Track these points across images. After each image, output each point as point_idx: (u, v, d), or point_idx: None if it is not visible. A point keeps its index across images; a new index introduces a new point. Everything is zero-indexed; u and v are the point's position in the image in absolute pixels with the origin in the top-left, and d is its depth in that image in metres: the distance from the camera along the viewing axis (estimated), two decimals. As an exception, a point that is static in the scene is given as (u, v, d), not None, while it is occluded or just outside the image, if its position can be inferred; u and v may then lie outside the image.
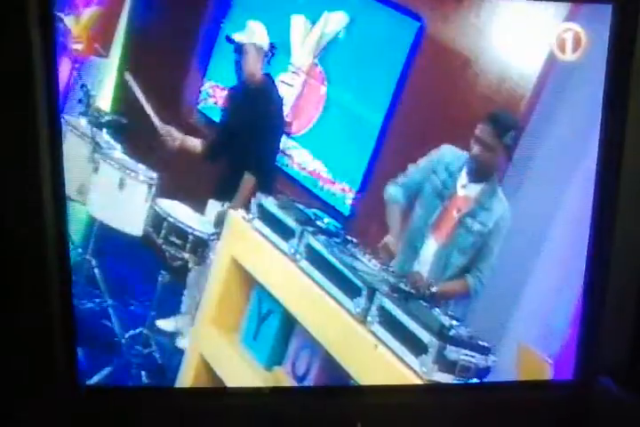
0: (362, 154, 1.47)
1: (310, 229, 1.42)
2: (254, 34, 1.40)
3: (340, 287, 1.36)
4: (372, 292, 1.34)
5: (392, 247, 1.44)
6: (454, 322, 1.32)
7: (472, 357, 1.32)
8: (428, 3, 1.36)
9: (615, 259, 1.34)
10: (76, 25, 1.23)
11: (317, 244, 1.41)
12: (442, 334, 1.28)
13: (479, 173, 1.40)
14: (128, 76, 1.34)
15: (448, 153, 1.40)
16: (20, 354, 1.23)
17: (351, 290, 1.35)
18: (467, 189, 1.42)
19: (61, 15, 1.22)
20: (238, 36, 1.41)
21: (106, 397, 1.34)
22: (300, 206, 1.46)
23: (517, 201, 1.39)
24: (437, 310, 1.35)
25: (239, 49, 1.42)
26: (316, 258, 1.40)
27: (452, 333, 1.29)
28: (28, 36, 1.14)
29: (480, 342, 1.32)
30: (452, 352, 1.29)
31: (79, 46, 1.22)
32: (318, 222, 1.44)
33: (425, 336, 1.29)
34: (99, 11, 1.26)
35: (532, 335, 1.41)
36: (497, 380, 1.34)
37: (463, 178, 1.42)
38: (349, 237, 1.44)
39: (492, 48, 1.31)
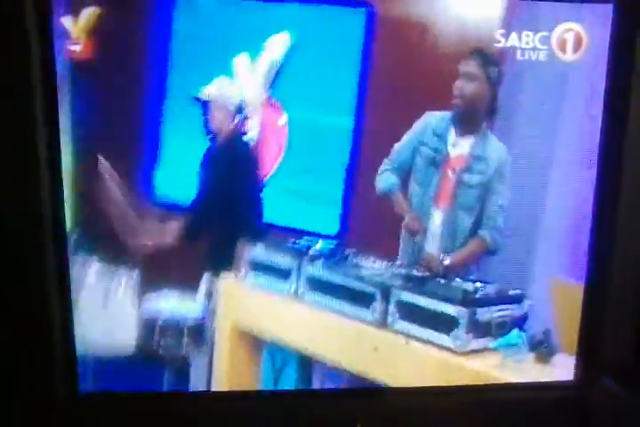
0: (339, 167, 1.39)
1: (306, 259, 1.40)
2: (222, 89, 1.34)
3: (353, 303, 1.35)
4: (386, 291, 1.34)
5: (416, 223, 1.39)
6: (478, 284, 1.32)
7: (505, 310, 1.33)
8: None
9: (617, 257, 1.34)
10: (74, 26, 1.22)
11: (317, 271, 1.39)
12: (467, 300, 1.29)
13: (467, 121, 1.36)
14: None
15: (432, 119, 1.36)
16: (16, 357, 1.22)
17: (364, 300, 1.35)
18: (458, 147, 1.38)
19: (59, 16, 1.21)
20: (205, 94, 1.34)
21: (104, 403, 1.34)
22: (288, 243, 1.40)
23: (516, 142, 1.35)
24: (458, 280, 1.34)
25: (206, 106, 1.35)
26: (320, 286, 1.39)
27: (477, 295, 1.30)
28: (25, 38, 1.14)
29: (511, 293, 1.33)
30: (484, 314, 1.30)
31: (77, 48, 1.22)
32: (312, 251, 1.40)
33: (451, 310, 1.30)
34: (98, 11, 1.25)
35: (560, 267, 1.39)
36: (535, 322, 1.34)
37: (452, 136, 1.38)
38: (347, 251, 1.40)
39: (449, 6, 1.29)
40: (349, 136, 1.38)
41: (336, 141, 1.39)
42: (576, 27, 1.28)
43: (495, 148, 1.36)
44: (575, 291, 1.37)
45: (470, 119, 1.37)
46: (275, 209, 1.39)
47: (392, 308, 1.34)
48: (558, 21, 1.28)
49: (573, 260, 1.39)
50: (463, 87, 1.33)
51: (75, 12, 1.19)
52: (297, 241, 1.40)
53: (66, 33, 1.20)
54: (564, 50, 1.29)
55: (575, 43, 1.28)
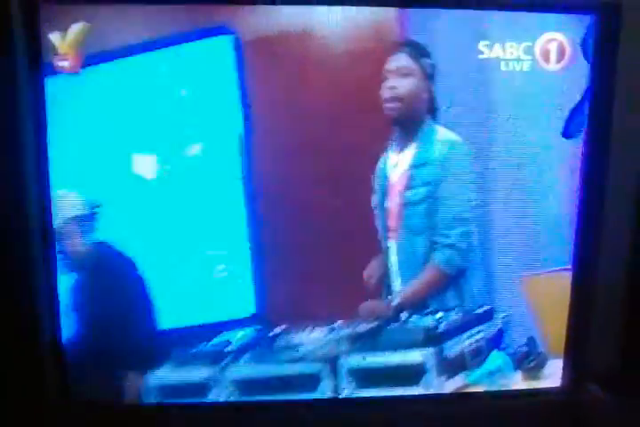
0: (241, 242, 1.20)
1: (227, 361, 1.16)
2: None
3: (297, 391, 1.16)
4: (333, 362, 1.16)
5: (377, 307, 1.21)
6: (439, 315, 1.16)
7: (477, 333, 1.19)
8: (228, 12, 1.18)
9: (602, 264, 1.33)
10: (62, 41, 1.23)
11: (243, 369, 1.16)
12: (431, 339, 1.13)
13: (407, 125, 1.21)
14: None
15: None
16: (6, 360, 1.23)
17: (309, 383, 1.16)
18: (398, 166, 1.22)
19: (47, 31, 1.22)
20: None
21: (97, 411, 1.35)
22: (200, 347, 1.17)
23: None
24: (414, 318, 1.17)
25: None
26: (249, 386, 1.17)
27: (441, 328, 1.14)
28: (13, 53, 1.16)
29: (478, 311, 1.17)
30: (453, 347, 1.16)
31: (65, 64, 1.23)
32: (229, 349, 1.17)
33: (415, 356, 1.13)
34: (86, 26, 1.25)
35: (525, 263, 1.26)
36: (514, 334, 1.22)
37: (392, 156, 1.23)
38: (275, 330, 1.18)
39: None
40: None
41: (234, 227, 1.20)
42: (559, 36, 1.29)
43: (440, 140, 1.21)
44: (548, 280, 1.25)
45: (411, 123, 1.22)
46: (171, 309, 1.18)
47: (345, 380, 1.16)
48: (541, 31, 1.29)
49: (535, 251, 1.27)
50: (397, 86, 1.20)
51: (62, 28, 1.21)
52: (210, 342, 1.17)
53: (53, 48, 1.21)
54: (547, 60, 1.29)
55: (559, 53, 1.29)
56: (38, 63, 1.20)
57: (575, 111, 1.27)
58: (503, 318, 1.20)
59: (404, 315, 1.18)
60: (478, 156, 1.23)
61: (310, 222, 1.21)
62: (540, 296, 1.26)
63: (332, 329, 1.17)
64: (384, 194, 1.22)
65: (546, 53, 1.29)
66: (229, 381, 1.18)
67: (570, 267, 1.28)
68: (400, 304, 1.19)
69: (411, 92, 1.21)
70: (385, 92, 1.21)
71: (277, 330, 1.18)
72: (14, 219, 1.19)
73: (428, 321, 1.16)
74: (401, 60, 1.20)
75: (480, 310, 1.18)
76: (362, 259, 1.24)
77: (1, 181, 1.19)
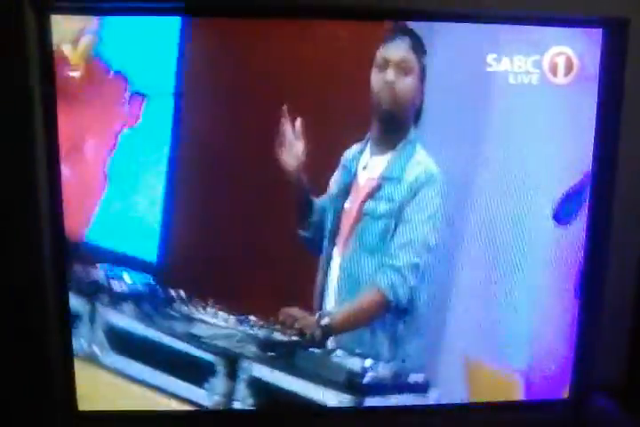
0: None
1: (104, 299, 0.96)
2: None
3: (179, 377, 0.96)
4: (233, 361, 0.97)
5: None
6: (368, 362, 1.00)
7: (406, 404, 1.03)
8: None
9: (611, 273, 1.33)
10: (73, 52, 1.24)
11: (124, 321, 0.95)
12: (352, 386, 0.97)
13: (390, 126, 1.09)
14: None
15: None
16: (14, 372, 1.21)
17: (198, 372, 0.96)
18: (369, 169, 1.09)
19: (59, 43, 1.22)
20: None
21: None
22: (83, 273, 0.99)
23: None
24: (340, 352, 1.00)
25: None
26: (126, 347, 0.96)
27: (367, 379, 0.98)
28: (26, 67, 1.16)
29: (412, 379, 1.01)
30: (375, 407, 1.00)
31: (76, 74, 1.23)
32: (117, 286, 0.97)
33: (329, 398, 0.95)
34: (94, 38, 1.26)
35: (478, 346, 1.12)
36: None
37: (365, 156, 1.10)
38: (172, 291, 0.99)
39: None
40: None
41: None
42: (567, 50, 1.30)
43: (419, 164, 1.08)
44: (496, 376, 1.11)
45: (395, 126, 1.09)
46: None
47: (241, 387, 0.98)
48: (549, 45, 1.30)
49: (492, 338, 1.12)
50: (396, 82, 1.08)
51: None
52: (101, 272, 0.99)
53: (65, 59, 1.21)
54: (555, 73, 1.31)
55: (566, 66, 1.30)
56: (51, 74, 1.20)
57: (568, 197, 1.20)
58: (438, 396, 1.03)
59: (330, 343, 1.03)
60: (453, 196, 1.10)
61: (243, 192, 1.06)
62: (480, 389, 1.11)
63: (242, 322, 1.00)
64: (343, 191, 1.10)
65: (554, 67, 1.29)
66: (101, 326, 1.00)
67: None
68: (328, 326, 1.04)
69: (408, 93, 1.10)
70: (379, 84, 1.09)
71: (173, 293, 1.00)
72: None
73: (355, 364, 1.00)
74: (401, 51, 1.07)
75: (414, 377, 1.02)
76: (296, 256, 1.08)
77: (12, 181, 1.18)
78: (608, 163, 1.29)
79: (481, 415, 1.33)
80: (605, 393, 1.34)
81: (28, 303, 1.18)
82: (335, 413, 1.12)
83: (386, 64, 1.09)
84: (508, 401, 1.35)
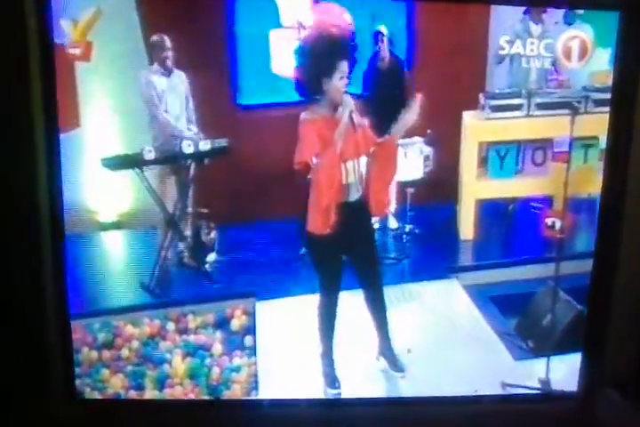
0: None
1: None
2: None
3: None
4: None
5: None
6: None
7: None
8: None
9: (621, 269, 1.32)
10: (74, 29, 1.21)
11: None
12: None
13: None
14: None
15: None
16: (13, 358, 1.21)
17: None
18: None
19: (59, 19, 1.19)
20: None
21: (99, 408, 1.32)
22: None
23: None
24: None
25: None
26: None
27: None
28: (26, 42, 1.13)
29: None
30: None
31: (77, 51, 1.20)
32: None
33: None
34: (96, 14, 1.23)
35: None
36: None
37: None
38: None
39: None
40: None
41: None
42: (581, 34, 1.27)
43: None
44: None
45: None
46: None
47: None
48: (563, 29, 1.27)
49: None
50: None
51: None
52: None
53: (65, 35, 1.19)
54: (568, 57, 1.28)
55: (581, 50, 1.27)
56: (51, 51, 1.17)
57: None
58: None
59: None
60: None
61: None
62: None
63: None
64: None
65: (567, 51, 1.27)
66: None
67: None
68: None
69: None
70: None
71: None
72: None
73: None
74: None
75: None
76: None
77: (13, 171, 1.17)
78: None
79: (492, 408, 1.33)
80: (615, 387, 1.32)
81: (27, 302, 1.19)
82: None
83: None
84: (519, 394, 1.34)
